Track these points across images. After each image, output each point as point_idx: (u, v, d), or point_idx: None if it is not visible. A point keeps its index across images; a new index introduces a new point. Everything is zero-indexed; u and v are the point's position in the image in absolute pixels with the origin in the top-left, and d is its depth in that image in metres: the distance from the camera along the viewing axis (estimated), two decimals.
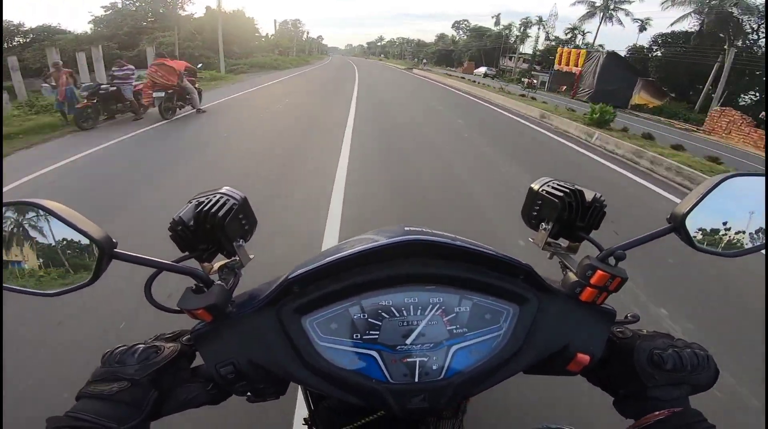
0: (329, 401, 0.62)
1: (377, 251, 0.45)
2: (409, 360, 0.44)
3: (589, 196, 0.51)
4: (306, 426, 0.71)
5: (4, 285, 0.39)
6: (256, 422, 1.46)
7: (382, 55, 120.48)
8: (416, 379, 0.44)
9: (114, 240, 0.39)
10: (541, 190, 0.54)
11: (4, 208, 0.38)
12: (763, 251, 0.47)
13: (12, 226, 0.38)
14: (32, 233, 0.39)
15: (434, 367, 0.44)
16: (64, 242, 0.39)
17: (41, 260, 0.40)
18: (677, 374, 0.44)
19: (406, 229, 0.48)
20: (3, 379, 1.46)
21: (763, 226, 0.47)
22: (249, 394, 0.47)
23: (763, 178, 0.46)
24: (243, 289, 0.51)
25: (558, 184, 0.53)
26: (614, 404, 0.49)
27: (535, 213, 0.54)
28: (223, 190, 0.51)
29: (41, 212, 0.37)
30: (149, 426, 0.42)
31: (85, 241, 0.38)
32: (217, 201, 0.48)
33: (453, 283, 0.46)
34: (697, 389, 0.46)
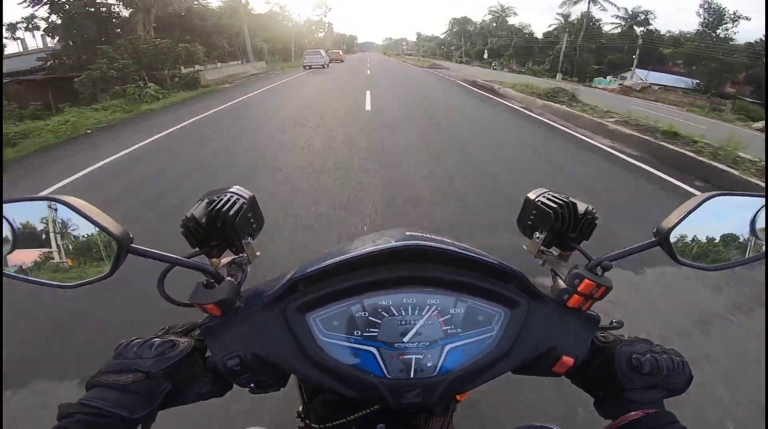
0: (324, 395, 0.64)
1: (379, 254, 0.47)
2: (405, 357, 0.46)
3: (581, 208, 0.53)
4: (299, 419, 0.74)
5: (27, 277, 0.40)
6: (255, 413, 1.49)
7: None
8: (411, 375, 0.46)
9: (131, 235, 0.41)
10: (536, 200, 0.56)
11: (30, 203, 0.39)
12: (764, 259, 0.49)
13: (35, 221, 0.40)
14: (54, 228, 0.41)
15: (429, 364, 0.46)
16: (84, 237, 0.41)
17: (63, 253, 0.41)
18: (653, 378, 0.47)
19: (407, 233, 0.51)
20: (3, 378, 1.46)
21: (745, 243, 0.50)
22: (252, 385, 0.49)
23: (744, 198, 0.49)
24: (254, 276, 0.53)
25: (553, 196, 0.55)
26: (594, 405, 0.52)
27: (530, 222, 0.57)
28: (233, 189, 0.53)
29: (63, 208, 0.39)
30: (156, 416, 0.44)
31: (104, 236, 0.40)
32: (228, 199, 0.50)
33: (449, 286, 0.48)
34: (672, 393, 0.48)
